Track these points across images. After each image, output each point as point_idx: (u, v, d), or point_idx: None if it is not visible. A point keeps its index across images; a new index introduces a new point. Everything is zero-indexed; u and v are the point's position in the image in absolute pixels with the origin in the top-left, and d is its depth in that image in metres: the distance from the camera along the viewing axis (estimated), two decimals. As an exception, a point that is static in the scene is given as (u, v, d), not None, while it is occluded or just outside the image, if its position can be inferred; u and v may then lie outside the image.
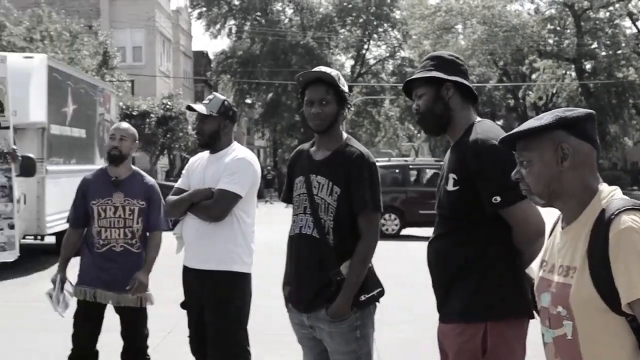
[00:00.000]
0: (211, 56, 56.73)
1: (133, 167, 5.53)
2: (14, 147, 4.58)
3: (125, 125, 5.51)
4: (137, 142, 5.52)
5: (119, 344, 5.46)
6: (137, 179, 5.47)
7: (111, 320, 5.44)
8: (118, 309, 5.37)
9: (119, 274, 5.27)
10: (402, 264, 12.97)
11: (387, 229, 19.53)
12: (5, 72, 4.61)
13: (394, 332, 8.06)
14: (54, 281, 5.34)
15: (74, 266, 5.41)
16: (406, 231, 19.80)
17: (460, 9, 46.81)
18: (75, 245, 5.41)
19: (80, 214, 5.34)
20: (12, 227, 4.60)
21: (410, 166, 21.39)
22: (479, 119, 3.45)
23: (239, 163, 4.68)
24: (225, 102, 4.82)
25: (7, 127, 4.56)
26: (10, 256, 4.64)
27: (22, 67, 11.98)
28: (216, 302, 4.62)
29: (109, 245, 5.27)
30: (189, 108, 4.90)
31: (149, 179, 5.57)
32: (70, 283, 5.34)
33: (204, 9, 52.59)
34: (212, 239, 4.61)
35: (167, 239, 5.32)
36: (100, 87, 17.99)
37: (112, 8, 42.10)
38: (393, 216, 19.81)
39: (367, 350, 3.85)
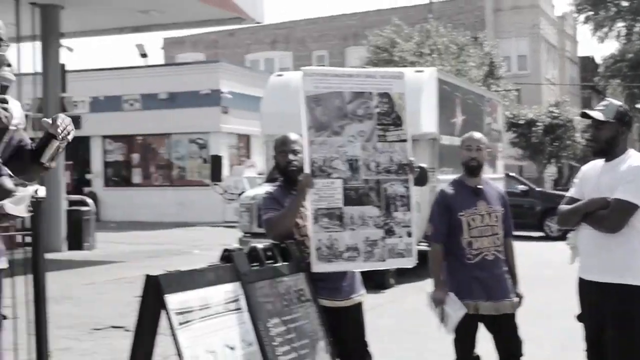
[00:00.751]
0: (598, 61, 54.69)
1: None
2: (412, 158, 4.78)
3: (478, 135, 5.51)
4: (488, 149, 5.52)
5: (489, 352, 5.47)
6: (491, 186, 5.54)
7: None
8: (493, 319, 5.33)
9: (493, 282, 5.28)
10: None
11: None
12: (403, 88, 4.84)
13: None
14: (435, 299, 5.36)
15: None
16: None
17: None
18: (442, 260, 5.43)
19: (445, 228, 5.35)
20: (410, 234, 4.80)
21: None
22: None
23: (636, 171, 4.46)
24: (621, 108, 4.63)
25: (405, 140, 4.80)
26: (409, 263, 4.84)
27: (414, 81, 12.43)
28: (617, 318, 4.41)
29: (481, 255, 5.28)
30: (584, 115, 4.76)
31: (497, 185, 5.58)
32: (453, 298, 5.35)
33: (591, 12, 50.80)
34: (609, 251, 4.43)
35: (557, 249, 5.22)
36: (487, 97, 18.16)
37: (497, 19, 42.41)
38: None
39: None
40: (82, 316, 9.54)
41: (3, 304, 4.47)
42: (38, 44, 17.76)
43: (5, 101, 3.92)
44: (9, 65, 4.08)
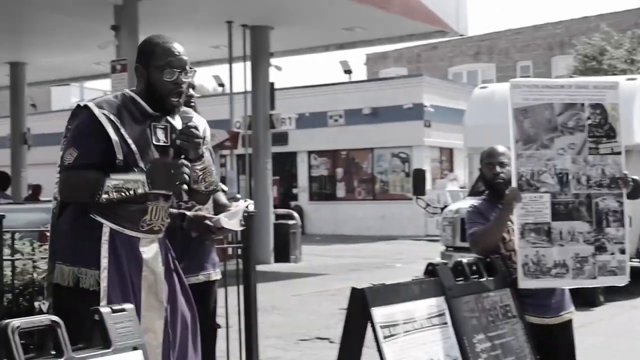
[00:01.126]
0: None
1: None
2: (626, 172, 4.60)
3: None
4: None
5: None
6: None
7: None
8: None
9: None
10: None
11: None
12: (617, 98, 4.66)
13: None
14: None
15: None
16: None
17: None
18: None
19: None
20: (623, 251, 4.61)
21: None
22: None
23: None
24: None
25: (619, 153, 4.61)
26: (621, 281, 4.64)
27: (626, 89, 11.85)
28: None
29: None
30: None
31: None
32: None
33: None
34: None
35: None
36: None
37: None
38: None
39: None
40: (288, 326, 9.81)
41: (217, 314, 4.68)
42: (248, 64, 18.55)
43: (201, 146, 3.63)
44: (193, 87, 4.22)
